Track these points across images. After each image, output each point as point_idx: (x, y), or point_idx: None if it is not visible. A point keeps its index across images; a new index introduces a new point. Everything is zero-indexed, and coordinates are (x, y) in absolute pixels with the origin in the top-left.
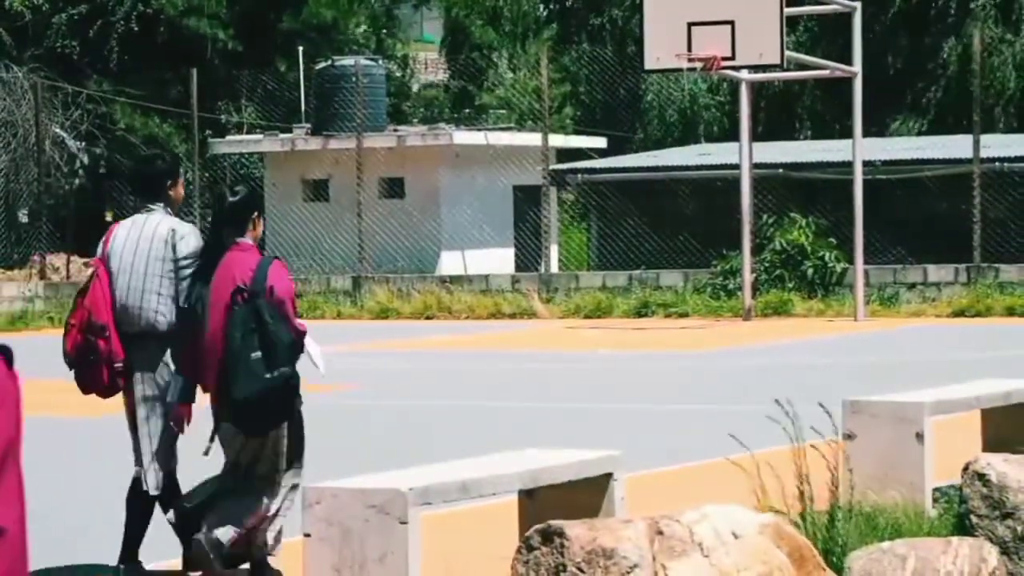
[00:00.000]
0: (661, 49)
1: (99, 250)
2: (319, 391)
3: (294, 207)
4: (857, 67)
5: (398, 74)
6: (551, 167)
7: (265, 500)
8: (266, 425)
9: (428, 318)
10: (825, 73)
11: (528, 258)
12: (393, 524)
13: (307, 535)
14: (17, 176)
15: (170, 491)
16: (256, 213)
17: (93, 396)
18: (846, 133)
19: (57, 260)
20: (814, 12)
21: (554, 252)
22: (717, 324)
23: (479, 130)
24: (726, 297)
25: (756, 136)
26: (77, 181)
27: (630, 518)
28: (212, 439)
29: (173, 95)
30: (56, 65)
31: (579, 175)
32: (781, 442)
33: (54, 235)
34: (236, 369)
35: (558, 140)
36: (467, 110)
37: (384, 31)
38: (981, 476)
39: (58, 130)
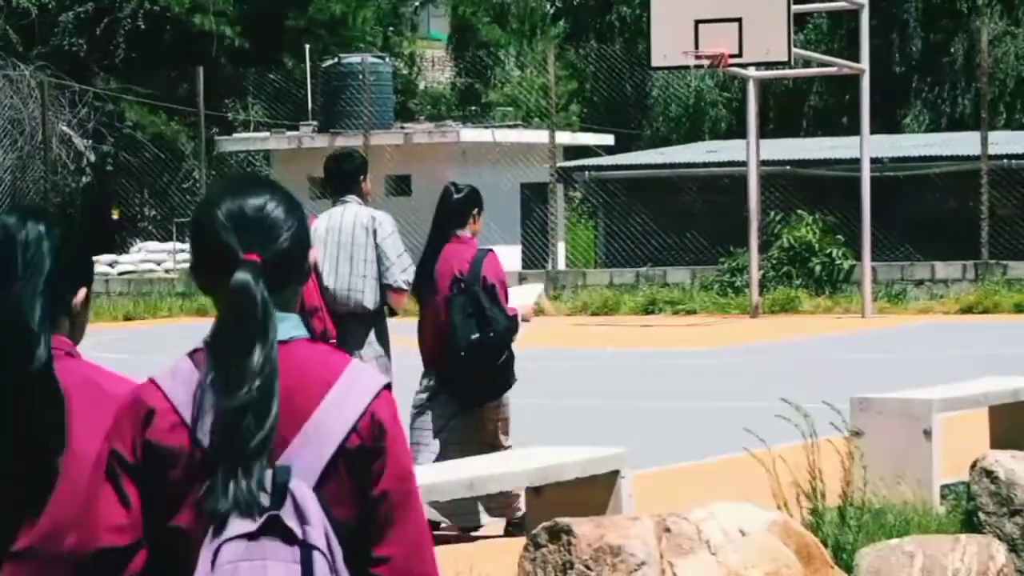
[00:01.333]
0: (668, 46)
1: None
2: None
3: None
4: (864, 64)
5: (405, 72)
6: (558, 164)
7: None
8: (483, 398)
9: None
10: (832, 70)
11: (535, 255)
12: None
13: None
14: (24, 174)
15: None
16: (477, 209)
17: None
18: (855, 130)
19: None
20: (821, 9)
21: (561, 249)
22: (724, 321)
23: (486, 127)
24: (733, 294)
25: (764, 133)
26: (84, 179)
27: (637, 516)
28: (427, 409)
29: (180, 93)
30: (63, 63)
31: (586, 172)
32: (789, 439)
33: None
34: (456, 349)
35: (565, 137)
36: (474, 107)
37: (391, 28)
38: (989, 473)
39: (65, 128)
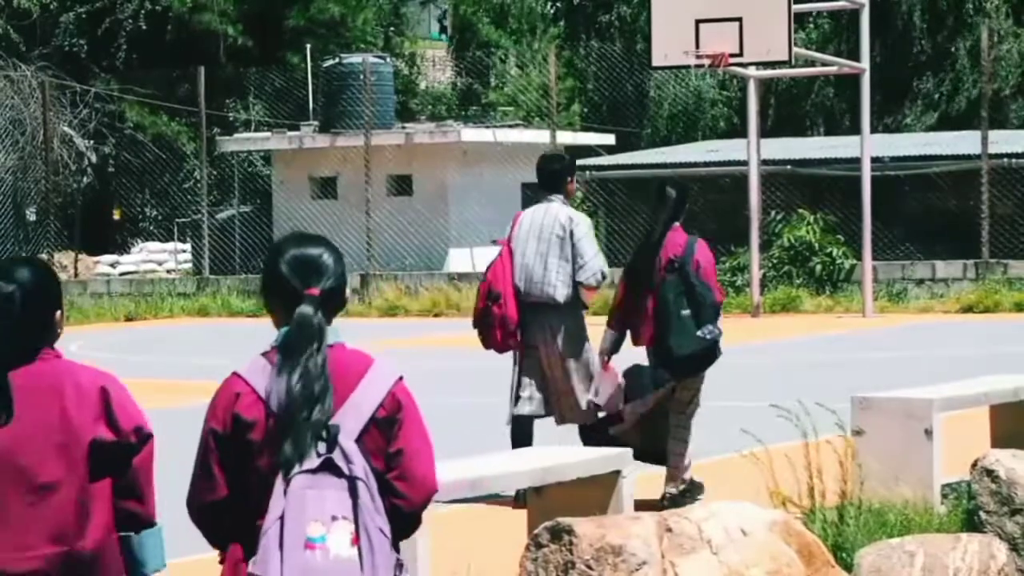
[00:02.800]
0: (669, 46)
1: (507, 232)
2: None
3: (302, 205)
4: (865, 64)
5: (406, 72)
6: None
7: (681, 432)
8: (692, 370)
9: (436, 315)
10: (833, 70)
11: None
12: None
13: None
14: (25, 174)
15: (606, 422)
16: (686, 204)
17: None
18: (856, 129)
19: (65, 258)
20: (822, 8)
21: None
22: (725, 320)
23: (487, 127)
24: (734, 293)
25: (767, 132)
26: (85, 179)
27: (639, 515)
28: (643, 379)
29: (181, 93)
30: (64, 63)
31: (587, 172)
32: (790, 439)
33: (62, 233)
34: (669, 324)
35: (566, 137)
36: (475, 107)
37: (391, 28)
38: (990, 472)
39: (66, 128)
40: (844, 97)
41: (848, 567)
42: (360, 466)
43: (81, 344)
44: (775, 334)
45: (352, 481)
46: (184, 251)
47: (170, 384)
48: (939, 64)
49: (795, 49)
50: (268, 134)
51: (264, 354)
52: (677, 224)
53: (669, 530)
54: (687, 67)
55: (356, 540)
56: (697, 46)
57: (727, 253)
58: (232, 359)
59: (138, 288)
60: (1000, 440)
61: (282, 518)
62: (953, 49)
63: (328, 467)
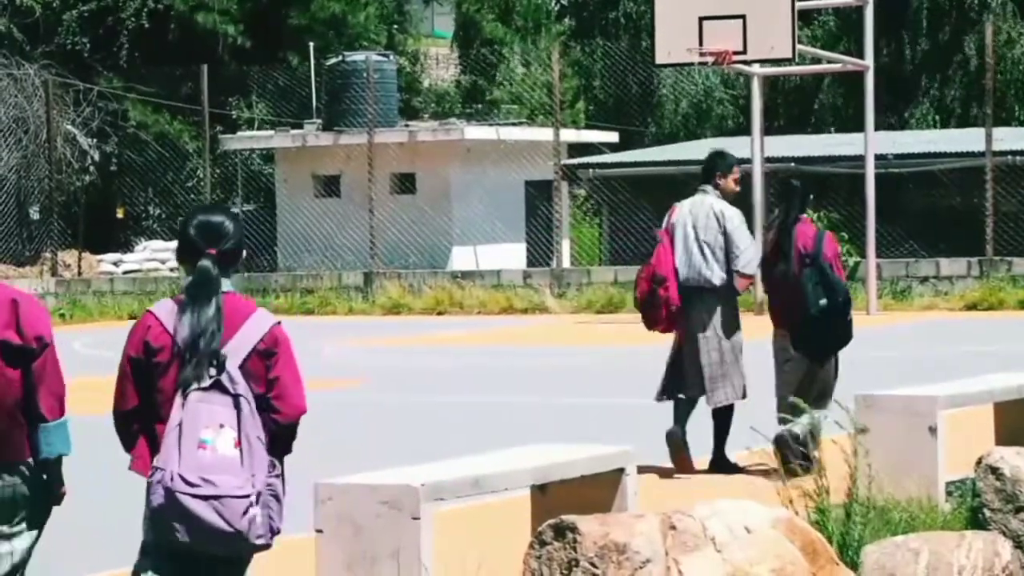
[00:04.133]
0: (673, 43)
1: (664, 222)
2: (329, 388)
3: (305, 203)
4: (869, 61)
5: (409, 69)
6: (563, 162)
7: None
8: (827, 354)
9: (439, 314)
10: (837, 67)
11: (540, 253)
12: (405, 520)
13: (319, 531)
14: (28, 173)
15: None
16: (810, 195)
17: (104, 395)
18: (861, 127)
19: (68, 257)
20: (826, 5)
21: (566, 247)
22: None
23: (490, 125)
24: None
25: (773, 130)
26: (88, 178)
27: (643, 513)
28: (786, 363)
29: (184, 91)
30: (67, 62)
31: (591, 170)
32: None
33: (65, 232)
34: (809, 313)
35: (570, 135)
36: (478, 105)
37: (395, 26)
38: (994, 470)
39: (69, 127)
40: (851, 95)
41: (853, 565)
42: (242, 386)
43: (85, 342)
44: None
45: (236, 398)
46: None
47: None
48: (944, 62)
49: (799, 46)
50: (271, 132)
51: (173, 298)
52: (804, 216)
53: (673, 528)
54: (691, 65)
55: (238, 443)
56: (701, 43)
57: None
58: None
59: (141, 286)
60: (1004, 437)
61: (180, 425)
62: (958, 47)
63: (217, 386)
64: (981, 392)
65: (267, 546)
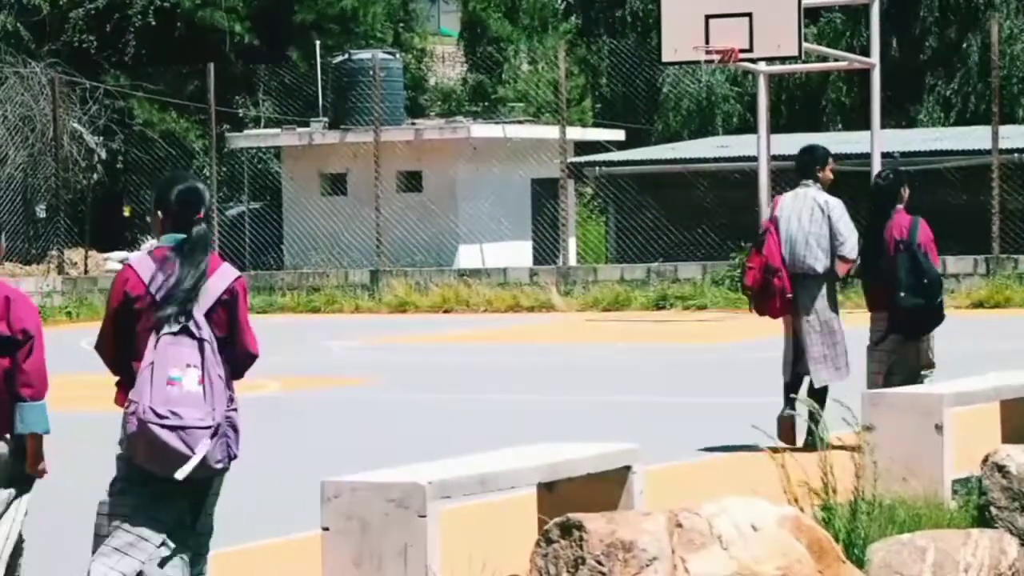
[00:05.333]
0: (679, 41)
1: (768, 214)
2: (336, 386)
3: (312, 201)
4: (875, 59)
5: (415, 67)
6: (569, 160)
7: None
8: (921, 333)
9: (446, 311)
10: (843, 65)
11: (546, 251)
12: (412, 518)
13: (326, 529)
14: (35, 171)
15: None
16: (905, 189)
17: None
18: (868, 125)
19: (75, 255)
20: (832, 3)
21: (572, 245)
22: (736, 317)
23: (496, 123)
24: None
25: (780, 128)
26: (95, 176)
27: (649, 511)
28: (880, 343)
29: (190, 90)
30: (74, 60)
31: (597, 168)
32: (799, 434)
33: (72, 230)
34: (901, 296)
35: (576, 133)
36: (484, 103)
37: (401, 24)
38: (1001, 468)
39: (76, 125)
40: (857, 93)
41: (859, 563)
42: (207, 332)
43: (91, 340)
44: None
45: (200, 342)
46: None
47: None
48: (949, 60)
49: (805, 44)
50: (278, 130)
51: (150, 252)
52: (900, 207)
53: (679, 526)
54: (697, 63)
55: (201, 380)
56: (707, 41)
57: (737, 249)
58: None
59: None
60: (1011, 435)
61: (152, 364)
62: (964, 45)
63: (185, 331)
64: (987, 390)
65: (225, 470)
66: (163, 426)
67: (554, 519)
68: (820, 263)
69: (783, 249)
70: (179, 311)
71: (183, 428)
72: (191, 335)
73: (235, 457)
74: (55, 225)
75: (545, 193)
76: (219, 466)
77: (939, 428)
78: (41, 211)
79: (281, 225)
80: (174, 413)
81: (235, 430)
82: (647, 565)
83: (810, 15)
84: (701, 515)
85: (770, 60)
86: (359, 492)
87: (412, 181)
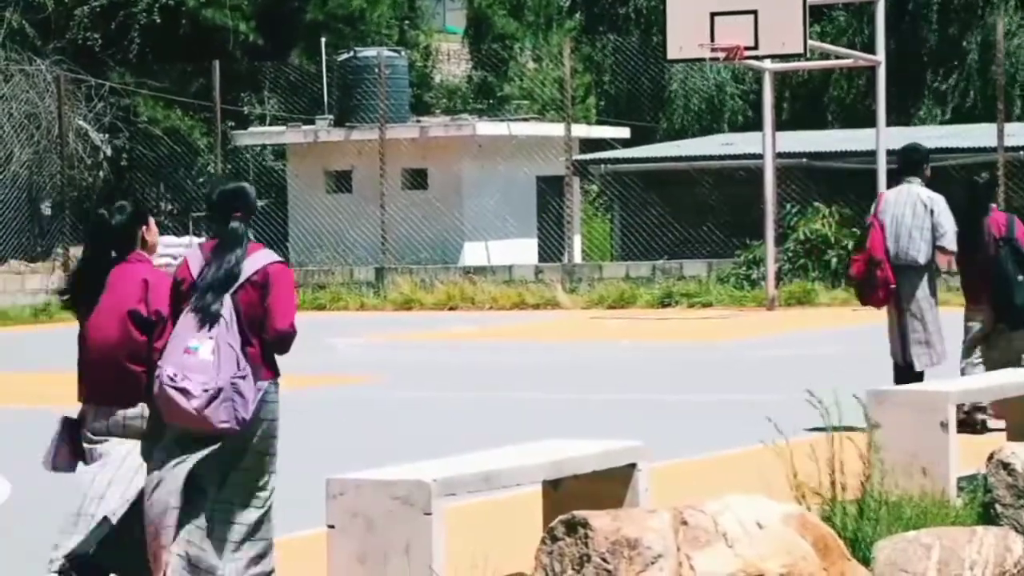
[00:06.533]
0: (684, 39)
1: (873, 209)
2: (341, 383)
3: (317, 198)
4: (880, 56)
5: (420, 65)
6: (574, 157)
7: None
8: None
9: (451, 309)
10: (848, 62)
11: (551, 248)
12: (417, 515)
13: (331, 526)
14: (40, 169)
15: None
16: (995, 188)
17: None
18: (872, 122)
19: (80, 253)
20: (837, 1)
21: (577, 242)
22: (741, 314)
23: (502, 121)
24: (750, 287)
25: (783, 125)
26: (100, 173)
27: (654, 508)
28: (977, 332)
29: (195, 87)
30: (79, 57)
31: (602, 165)
32: (804, 432)
33: (77, 227)
34: (1011, 288)
35: (581, 130)
36: (490, 101)
37: (407, 22)
38: (1006, 465)
39: (81, 122)
40: (860, 90)
41: (864, 560)
42: (227, 308)
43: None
44: (791, 327)
45: (216, 316)
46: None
47: None
48: (950, 57)
49: (810, 42)
50: (283, 128)
51: (199, 245)
52: (993, 205)
53: (684, 523)
54: (702, 60)
55: (214, 350)
56: (712, 39)
57: (742, 246)
58: None
59: None
60: (1016, 433)
61: (177, 334)
62: (964, 42)
63: (208, 308)
64: (993, 387)
65: (232, 430)
66: (174, 387)
67: (559, 516)
68: (922, 255)
69: (888, 242)
70: (212, 296)
71: (188, 391)
72: (214, 312)
73: (243, 420)
74: (60, 222)
75: (550, 190)
76: (224, 426)
77: (944, 426)
78: (46, 208)
79: (286, 222)
80: (185, 377)
81: (241, 395)
82: (652, 562)
83: (813, 13)
84: (706, 513)
85: (775, 58)
86: (364, 490)
87: (417, 178)
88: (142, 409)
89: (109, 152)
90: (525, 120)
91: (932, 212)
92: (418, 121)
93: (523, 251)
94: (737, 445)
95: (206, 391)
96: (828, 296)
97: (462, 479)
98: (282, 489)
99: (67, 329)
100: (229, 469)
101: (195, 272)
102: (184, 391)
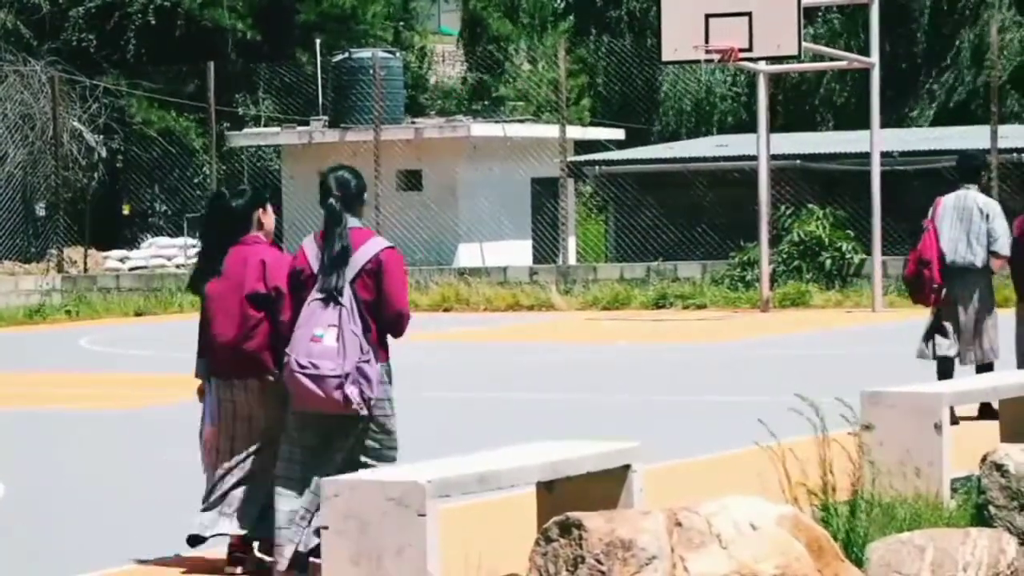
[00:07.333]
0: (679, 41)
1: (930, 214)
2: None
3: (311, 200)
4: (874, 58)
5: (415, 66)
6: (569, 159)
7: None
8: None
9: (446, 310)
10: (843, 64)
11: (546, 250)
12: (411, 516)
13: (325, 528)
14: (35, 169)
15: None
16: None
17: (111, 390)
18: (865, 124)
19: (74, 254)
20: (832, 2)
21: (572, 244)
22: (735, 315)
23: (496, 122)
24: (744, 288)
25: (775, 127)
26: (94, 175)
27: (648, 510)
28: None
29: (190, 88)
30: (73, 58)
31: (597, 167)
32: (798, 433)
33: (71, 228)
34: None
35: (576, 132)
36: (484, 102)
37: (402, 23)
38: (999, 467)
39: (76, 123)
40: (852, 92)
41: (858, 562)
42: (347, 297)
43: (91, 339)
44: (785, 329)
45: (340, 306)
46: (193, 246)
47: (181, 379)
48: (943, 57)
49: (804, 44)
50: (277, 129)
51: (315, 234)
52: None
53: (679, 524)
54: (697, 62)
55: (338, 338)
56: (707, 41)
57: (737, 248)
58: None
59: (147, 283)
60: (1009, 435)
61: (303, 324)
62: (958, 42)
63: (330, 297)
64: (986, 389)
65: (359, 410)
66: (304, 374)
67: (553, 518)
68: (979, 258)
69: (945, 245)
70: (333, 274)
71: (320, 377)
72: (334, 300)
73: (369, 399)
74: (55, 223)
75: (545, 192)
76: (353, 407)
77: (938, 427)
78: (41, 209)
79: (281, 223)
80: (313, 364)
81: (366, 378)
82: (646, 564)
83: (807, 15)
84: (700, 514)
85: (770, 60)
86: (359, 491)
87: (412, 180)
88: (266, 381)
89: (104, 153)
90: (519, 122)
91: (987, 217)
92: (413, 122)
93: (518, 252)
94: (731, 446)
95: (335, 376)
96: (822, 298)
97: (456, 480)
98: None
99: (60, 331)
100: (349, 444)
101: (312, 260)
102: (314, 377)
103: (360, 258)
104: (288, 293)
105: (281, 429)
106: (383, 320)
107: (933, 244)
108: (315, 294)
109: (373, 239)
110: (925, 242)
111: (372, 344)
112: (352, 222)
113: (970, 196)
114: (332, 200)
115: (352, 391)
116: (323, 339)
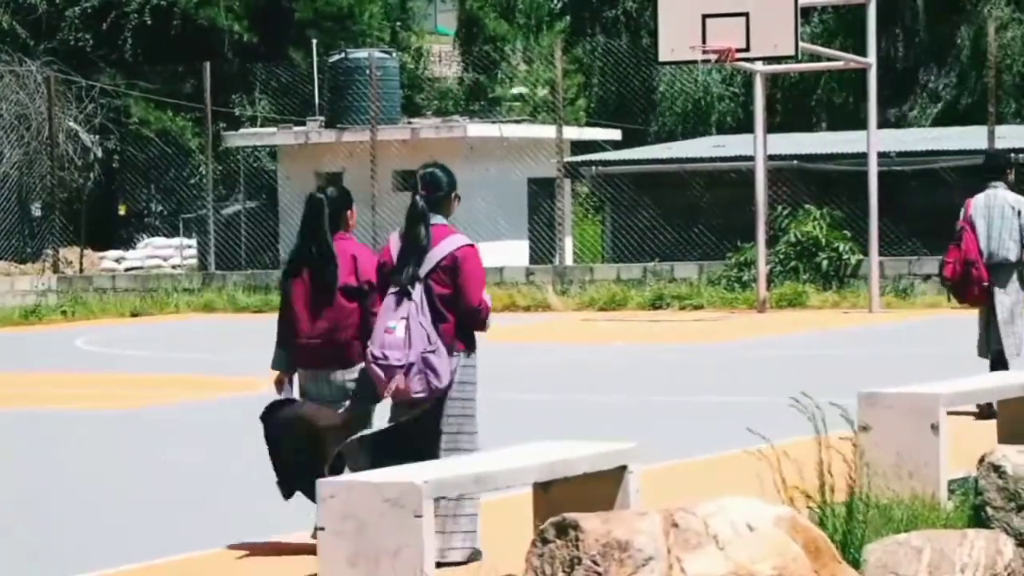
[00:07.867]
0: (676, 41)
1: (962, 214)
2: None
3: None
4: (871, 58)
5: (412, 66)
6: (565, 159)
7: None
8: None
9: None
10: (840, 64)
11: (542, 250)
12: (408, 517)
13: (321, 528)
14: (30, 170)
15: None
16: None
17: (111, 389)
18: (862, 124)
19: (70, 254)
20: (828, 3)
21: (568, 244)
22: (732, 316)
23: (493, 122)
24: (741, 289)
25: (771, 128)
26: (91, 175)
27: (645, 511)
28: None
29: (187, 88)
30: (70, 58)
31: (593, 167)
32: (795, 434)
33: (67, 229)
34: None
35: (572, 132)
36: (481, 102)
37: (398, 23)
38: (997, 468)
39: (72, 123)
40: (849, 92)
41: (855, 563)
42: (418, 291)
43: (87, 339)
44: (781, 329)
45: (411, 300)
46: (190, 247)
47: (178, 379)
48: (940, 56)
49: (801, 44)
50: (274, 129)
51: (400, 231)
52: None
53: (675, 525)
54: (693, 62)
55: (407, 329)
56: (704, 41)
57: (733, 248)
58: (238, 355)
59: (143, 284)
60: (1007, 436)
61: (379, 317)
62: (957, 40)
63: (404, 291)
64: (984, 390)
65: (426, 399)
66: (376, 364)
67: (550, 519)
68: (1012, 253)
69: (980, 243)
70: (408, 269)
71: (388, 366)
72: (407, 294)
73: (435, 390)
74: (50, 224)
75: (541, 192)
76: (419, 395)
77: (935, 428)
78: (36, 209)
79: (277, 224)
80: (384, 355)
81: (432, 368)
82: (643, 565)
83: (803, 15)
84: (697, 515)
85: (767, 60)
86: (355, 492)
87: (408, 180)
88: (355, 372)
89: (100, 153)
90: (516, 122)
91: (1019, 214)
92: (409, 123)
93: (514, 253)
94: (728, 447)
95: (400, 366)
96: (819, 298)
97: (453, 481)
98: (274, 491)
99: (56, 331)
100: (435, 429)
101: (395, 255)
102: (384, 367)
103: (437, 254)
104: (376, 284)
105: (361, 423)
106: (460, 314)
107: (975, 243)
108: (392, 288)
109: (452, 236)
110: (967, 242)
111: (448, 336)
112: (436, 219)
113: (999, 194)
114: (417, 198)
115: (416, 380)
116: (395, 331)
